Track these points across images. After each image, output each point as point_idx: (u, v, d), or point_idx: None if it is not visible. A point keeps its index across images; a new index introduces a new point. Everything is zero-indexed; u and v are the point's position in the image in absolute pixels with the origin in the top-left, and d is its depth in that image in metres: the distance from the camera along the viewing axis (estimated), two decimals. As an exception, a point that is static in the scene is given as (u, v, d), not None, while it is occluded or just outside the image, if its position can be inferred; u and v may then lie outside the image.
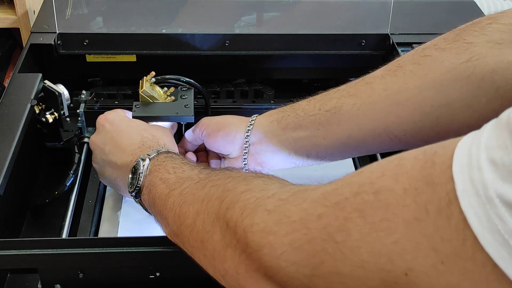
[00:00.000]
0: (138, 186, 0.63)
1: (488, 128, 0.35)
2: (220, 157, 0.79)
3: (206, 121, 0.78)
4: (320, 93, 0.72)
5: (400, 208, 0.37)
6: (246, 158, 0.74)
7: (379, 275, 0.37)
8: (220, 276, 0.50)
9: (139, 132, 0.72)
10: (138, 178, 0.63)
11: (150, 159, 0.64)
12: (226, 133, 0.75)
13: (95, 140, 0.75)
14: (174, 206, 0.56)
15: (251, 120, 0.75)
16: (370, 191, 0.39)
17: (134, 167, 0.65)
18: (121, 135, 0.72)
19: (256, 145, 0.74)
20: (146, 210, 0.65)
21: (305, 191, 0.45)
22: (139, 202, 0.65)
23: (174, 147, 0.74)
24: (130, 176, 0.65)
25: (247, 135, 0.74)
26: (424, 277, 0.35)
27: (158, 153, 0.65)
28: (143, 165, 0.63)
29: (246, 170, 0.73)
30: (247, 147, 0.74)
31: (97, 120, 0.76)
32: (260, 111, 0.87)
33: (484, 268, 0.33)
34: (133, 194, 0.64)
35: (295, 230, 0.42)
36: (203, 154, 0.81)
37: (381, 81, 0.67)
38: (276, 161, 0.74)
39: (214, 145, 0.77)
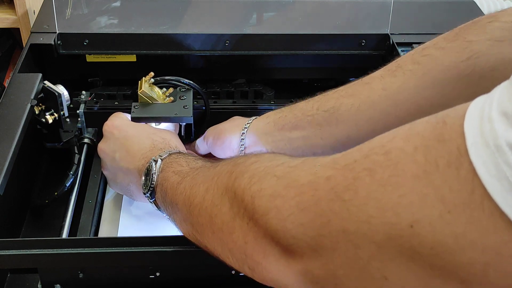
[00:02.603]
0: (152, 186, 0.63)
1: (501, 87, 0.35)
2: None
3: (209, 131, 0.79)
4: (319, 94, 0.72)
5: (410, 164, 0.37)
6: None
7: (384, 229, 0.37)
8: (228, 250, 0.50)
9: (149, 136, 0.72)
10: (151, 178, 0.63)
11: (162, 159, 0.64)
12: (222, 141, 0.76)
13: (104, 148, 0.75)
14: (185, 190, 0.56)
15: (247, 124, 0.75)
16: (381, 152, 0.39)
17: (147, 168, 0.65)
18: (131, 140, 0.72)
19: (251, 147, 0.74)
20: (160, 210, 0.65)
21: (315, 158, 0.46)
22: (153, 203, 0.65)
23: (183, 149, 0.73)
24: (143, 178, 0.65)
25: (241, 139, 0.74)
26: (429, 227, 0.35)
27: (170, 154, 0.65)
28: (156, 166, 0.63)
29: None
30: (242, 150, 0.74)
31: (103, 128, 0.76)
32: (260, 112, 0.87)
33: (492, 216, 0.33)
34: (148, 194, 0.64)
35: (303, 192, 0.43)
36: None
37: (380, 81, 0.67)
38: None
39: (218, 154, 0.78)
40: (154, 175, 0.63)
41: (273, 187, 0.45)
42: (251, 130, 0.74)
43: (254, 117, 0.76)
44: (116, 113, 0.79)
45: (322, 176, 0.42)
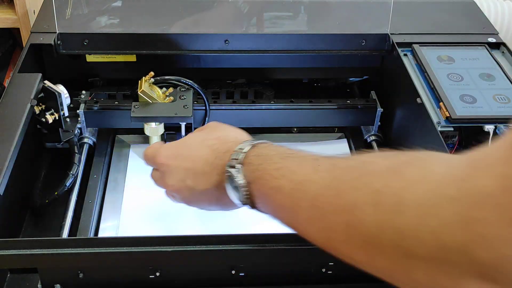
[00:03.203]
0: (247, 195, 0.56)
1: None
2: None
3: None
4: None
5: None
6: None
7: None
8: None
9: (202, 145, 0.63)
10: (241, 188, 0.56)
11: (240, 163, 0.56)
12: None
13: (172, 183, 0.65)
14: (317, 191, 0.49)
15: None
16: None
17: (228, 179, 0.58)
18: (191, 160, 0.63)
19: None
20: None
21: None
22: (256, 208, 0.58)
23: (244, 135, 0.64)
24: (231, 191, 0.58)
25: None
26: None
27: (243, 152, 0.57)
28: (238, 174, 0.56)
29: None
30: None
31: (157, 164, 0.66)
32: (260, 112, 0.87)
33: None
34: (247, 205, 0.58)
35: None
36: None
37: None
38: None
39: None
40: (240, 183, 0.56)
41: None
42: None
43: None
44: (150, 147, 0.69)
45: None
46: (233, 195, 0.58)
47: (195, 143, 0.65)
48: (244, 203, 0.57)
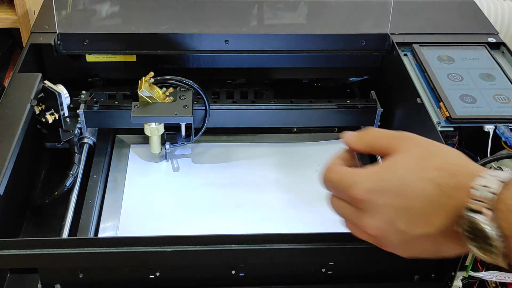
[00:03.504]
0: (503, 251, 0.46)
1: None
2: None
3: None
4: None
5: None
6: None
7: None
8: None
9: (420, 177, 0.49)
10: (491, 240, 0.45)
11: (487, 207, 0.46)
12: None
13: (374, 225, 0.51)
14: None
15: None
16: None
17: (468, 227, 0.46)
18: (404, 196, 0.49)
19: None
20: None
21: None
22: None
23: (464, 158, 0.51)
24: (469, 242, 0.47)
25: None
26: None
27: (486, 187, 0.46)
28: (485, 222, 0.45)
29: None
30: None
31: (353, 198, 0.51)
32: (260, 112, 0.87)
33: None
34: (494, 262, 0.47)
35: None
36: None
37: None
38: None
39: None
40: (494, 235, 0.45)
41: None
42: None
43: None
44: (334, 171, 0.54)
45: None
46: (474, 248, 0.47)
47: (409, 175, 0.50)
48: (492, 260, 0.46)
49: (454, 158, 0.50)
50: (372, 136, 0.55)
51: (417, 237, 0.50)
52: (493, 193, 0.45)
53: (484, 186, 0.46)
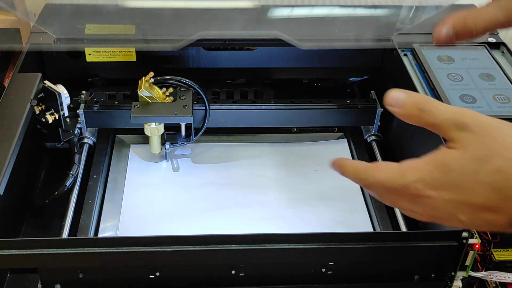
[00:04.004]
0: None
1: None
2: None
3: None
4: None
5: None
6: None
7: None
8: None
9: (478, 180, 0.46)
10: None
11: None
12: None
13: (435, 215, 0.50)
14: None
15: None
16: None
17: None
18: (462, 195, 0.47)
19: None
20: None
21: None
22: None
23: None
24: None
25: None
26: None
27: None
28: None
29: None
30: None
31: (409, 194, 0.49)
32: (260, 112, 0.87)
33: None
34: None
35: None
36: None
37: None
38: None
39: None
40: None
41: None
42: None
43: None
44: (380, 169, 0.51)
45: None
46: None
47: (466, 177, 0.47)
48: None
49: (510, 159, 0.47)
50: (430, 114, 0.51)
51: (480, 225, 0.49)
52: None
53: None
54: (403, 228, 0.75)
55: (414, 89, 0.80)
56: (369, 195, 0.81)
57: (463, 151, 0.47)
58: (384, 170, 0.50)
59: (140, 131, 0.85)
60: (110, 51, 0.90)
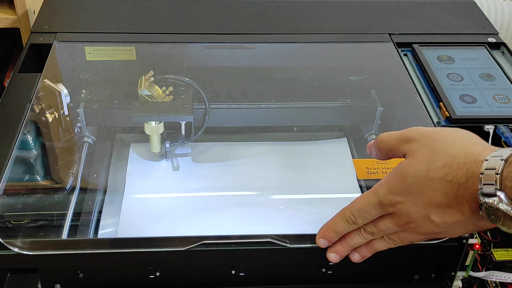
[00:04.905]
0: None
1: None
2: None
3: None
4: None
5: None
6: None
7: None
8: None
9: (431, 180, 0.52)
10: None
11: (497, 188, 0.48)
12: None
13: (411, 220, 0.54)
14: None
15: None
16: None
17: (488, 210, 0.49)
18: (425, 196, 0.53)
19: None
20: None
21: None
22: None
23: (459, 143, 0.54)
24: (499, 224, 0.50)
25: None
26: None
27: (492, 169, 0.48)
28: (498, 203, 0.48)
29: None
30: None
31: (385, 206, 0.55)
32: (260, 111, 0.87)
33: None
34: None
35: None
36: None
37: None
38: None
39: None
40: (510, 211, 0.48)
41: None
42: None
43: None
44: (364, 197, 0.57)
45: None
46: (503, 228, 0.50)
47: (421, 178, 0.53)
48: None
49: (458, 148, 0.52)
50: (382, 144, 0.60)
51: (453, 224, 0.53)
52: (499, 174, 0.48)
53: (490, 169, 0.49)
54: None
55: (414, 89, 0.80)
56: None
57: (413, 157, 0.54)
58: (359, 198, 0.57)
59: (140, 130, 0.85)
60: (110, 50, 0.90)
